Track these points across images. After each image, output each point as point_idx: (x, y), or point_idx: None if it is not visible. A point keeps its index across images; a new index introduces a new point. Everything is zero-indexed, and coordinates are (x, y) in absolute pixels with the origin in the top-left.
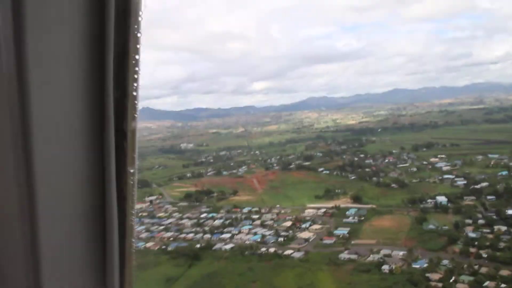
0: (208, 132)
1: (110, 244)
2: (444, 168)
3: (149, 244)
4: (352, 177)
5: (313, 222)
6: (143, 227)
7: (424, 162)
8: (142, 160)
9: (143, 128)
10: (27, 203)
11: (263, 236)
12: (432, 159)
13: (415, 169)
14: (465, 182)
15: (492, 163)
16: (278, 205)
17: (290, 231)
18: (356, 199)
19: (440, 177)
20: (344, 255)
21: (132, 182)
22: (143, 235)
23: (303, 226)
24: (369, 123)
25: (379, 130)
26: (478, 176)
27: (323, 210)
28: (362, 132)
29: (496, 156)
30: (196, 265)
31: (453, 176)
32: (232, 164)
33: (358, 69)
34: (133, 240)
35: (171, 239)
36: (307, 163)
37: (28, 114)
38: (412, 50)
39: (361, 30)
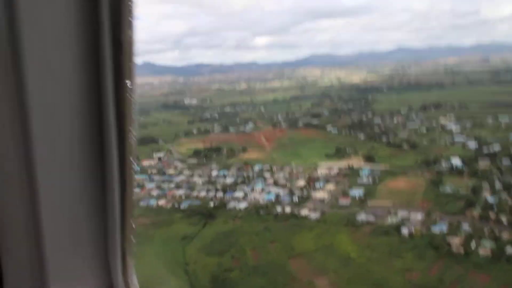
0: (211, 88)
1: (112, 219)
2: (454, 130)
3: (161, 202)
4: (361, 137)
5: (327, 181)
6: (153, 184)
7: (434, 123)
8: (146, 116)
9: (145, 83)
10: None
11: (277, 195)
12: (442, 120)
13: (424, 130)
14: (476, 145)
15: (503, 125)
16: (289, 164)
17: (305, 191)
18: (369, 159)
19: (450, 139)
20: (362, 217)
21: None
22: (154, 193)
23: (317, 185)
24: (374, 81)
25: (384, 89)
26: (489, 139)
27: (336, 169)
28: (368, 90)
29: (506, 119)
30: (210, 223)
31: (463, 139)
32: (238, 120)
33: (363, 25)
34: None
35: (183, 197)
36: (315, 121)
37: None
38: (418, 6)
39: None
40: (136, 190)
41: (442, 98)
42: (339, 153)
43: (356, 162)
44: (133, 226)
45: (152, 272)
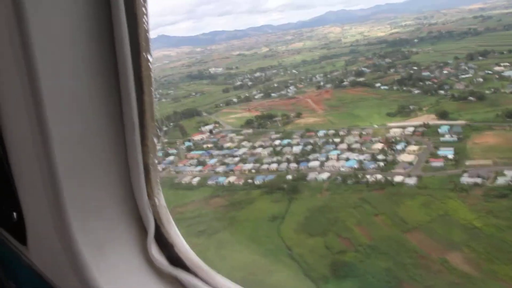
0: (232, 54)
1: (131, 140)
2: None
3: (231, 179)
4: (416, 91)
5: (407, 142)
6: (214, 160)
7: (489, 72)
8: (175, 89)
9: (162, 56)
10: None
11: (360, 162)
12: (496, 68)
13: (481, 80)
14: None
15: None
16: (353, 126)
17: (387, 155)
18: (442, 115)
19: None
20: (466, 179)
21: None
22: (220, 169)
23: (398, 147)
24: (400, 34)
25: (415, 40)
26: None
27: (410, 129)
28: (397, 43)
29: None
30: (296, 199)
31: None
32: (276, 85)
33: None
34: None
35: (253, 171)
36: (361, 79)
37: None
38: None
39: None
40: (199, 167)
41: (482, 45)
42: (403, 111)
43: (426, 119)
44: (155, 143)
45: (253, 261)
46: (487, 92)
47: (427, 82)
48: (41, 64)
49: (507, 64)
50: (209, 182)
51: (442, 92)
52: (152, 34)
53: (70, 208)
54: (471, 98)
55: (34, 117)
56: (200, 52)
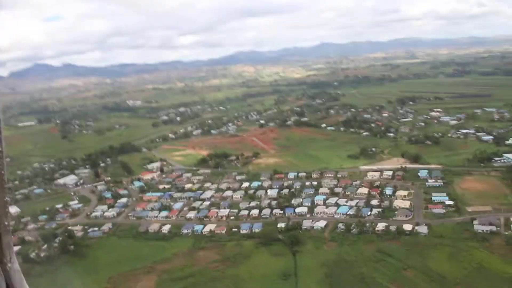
0: (146, 87)
1: None
2: (452, 122)
3: (210, 227)
4: (364, 133)
5: (395, 187)
6: (180, 203)
7: (426, 116)
8: (94, 120)
9: (68, 85)
10: None
11: (357, 208)
12: (432, 113)
13: (423, 124)
14: (492, 137)
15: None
16: (324, 168)
17: (384, 200)
18: (415, 158)
19: (458, 132)
20: (479, 227)
21: None
22: (190, 215)
23: (387, 192)
24: (318, 76)
25: (335, 83)
26: (495, 130)
27: (388, 172)
28: (318, 85)
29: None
30: (301, 252)
31: (473, 131)
32: (210, 121)
33: (287, 23)
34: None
35: (232, 217)
36: (304, 119)
37: None
38: (345, 4)
39: None
40: (164, 212)
41: (403, 91)
42: (365, 153)
43: (394, 162)
44: (7, 205)
45: None
46: (435, 136)
47: (372, 125)
48: None
49: (440, 109)
50: (184, 231)
51: (390, 134)
52: (57, 63)
53: None
54: (427, 142)
55: None
56: (110, 84)
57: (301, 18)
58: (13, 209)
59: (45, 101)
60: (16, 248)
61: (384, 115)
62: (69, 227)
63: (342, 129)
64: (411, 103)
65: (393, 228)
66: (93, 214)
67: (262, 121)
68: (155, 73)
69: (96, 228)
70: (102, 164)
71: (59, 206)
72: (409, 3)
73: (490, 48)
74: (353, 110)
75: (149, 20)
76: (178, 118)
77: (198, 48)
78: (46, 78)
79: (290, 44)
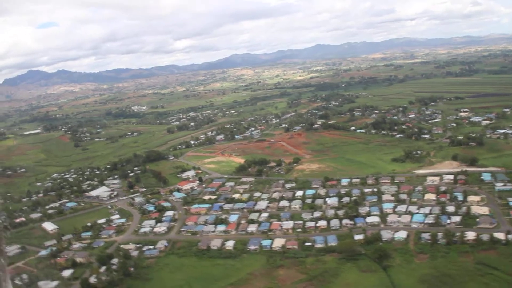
0: (147, 93)
1: None
2: (484, 122)
3: (281, 241)
4: (397, 135)
5: (464, 193)
6: (235, 216)
7: (456, 117)
8: (103, 127)
9: (65, 92)
10: None
11: (435, 216)
12: (461, 113)
13: (454, 124)
14: None
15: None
16: (376, 173)
17: (461, 207)
18: (472, 161)
19: (496, 133)
20: None
21: None
22: (252, 229)
23: (458, 198)
24: (322, 78)
25: (343, 85)
26: None
27: (449, 176)
28: (325, 87)
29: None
30: (392, 266)
31: (511, 131)
32: (228, 126)
33: (282, 25)
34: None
35: (298, 230)
36: (331, 122)
37: None
38: (340, 6)
39: None
40: (220, 226)
41: (415, 91)
42: (411, 156)
43: (447, 165)
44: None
45: None
46: (478, 136)
47: (403, 126)
48: None
49: (466, 109)
50: (252, 247)
51: (425, 136)
52: (51, 69)
53: None
54: (471, 143)
55: None
56: (107, 89)
57: (295, 20)
58: (50, 226)
59: (44, 108)
60: (68, 272)
61: (410, 116)
62: (121, 246)
63: (373, 131)
64: (432, 103)
65: (484, 237)
66: (141, 230)
67: (285, 125)
68: (151, 78)
69: (151, 246)
70: (131, 174)
71: (101, 221)
72: (404, 4)
73: (486, 47)
74: (376, 111)
75: (143, 25)
76: (192, 124)
77: (192, 52)
78: (41, 85)
79: (284, 46)
